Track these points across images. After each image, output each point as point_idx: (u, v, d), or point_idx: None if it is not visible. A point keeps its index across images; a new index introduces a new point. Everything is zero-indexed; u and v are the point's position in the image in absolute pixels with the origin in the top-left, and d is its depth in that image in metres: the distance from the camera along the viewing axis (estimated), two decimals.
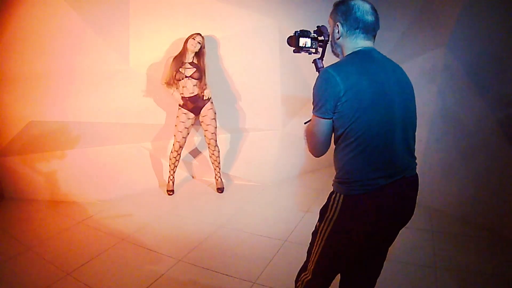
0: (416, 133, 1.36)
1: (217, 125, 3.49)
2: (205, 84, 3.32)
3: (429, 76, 3.02)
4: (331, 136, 1.29)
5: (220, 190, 3.61)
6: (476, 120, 2.73)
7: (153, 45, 3.40)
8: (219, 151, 3.52)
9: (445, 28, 2.84)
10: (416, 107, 1.36)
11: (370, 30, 1.31)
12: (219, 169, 3.59)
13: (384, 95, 1.22)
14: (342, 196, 1.28)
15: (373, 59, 1.29)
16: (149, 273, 2.26)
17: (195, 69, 3.27)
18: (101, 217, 3.09)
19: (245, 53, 3.56)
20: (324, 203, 1.37)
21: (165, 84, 3.29)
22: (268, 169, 3.85)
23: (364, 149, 1.21)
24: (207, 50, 3.36)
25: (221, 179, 3.64)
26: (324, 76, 1.22)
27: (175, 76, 3.24)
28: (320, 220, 1.38)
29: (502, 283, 2.07)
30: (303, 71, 3.68)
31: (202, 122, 3.42)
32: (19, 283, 2.19)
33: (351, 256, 1.36)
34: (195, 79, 3.28)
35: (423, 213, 2.95)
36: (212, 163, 3.57)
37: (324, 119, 1.24)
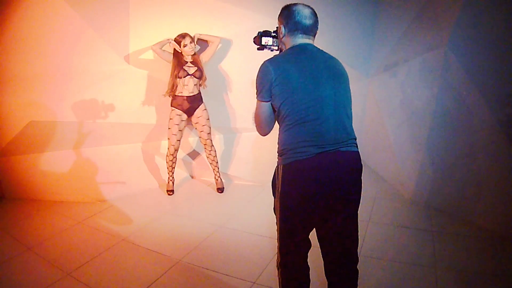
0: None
1: (218, 125, 3.50)
2: (205, 77, 3.36)
3: (429, 76, 3.02)
4: (273, 117, 1.52)
5: (220, 190, 3.61)
6: (476, 120, 2.73)
7: (153, 45, 3.40)
8: (215, 151, 3.52)
9: (445, 28, 2.84)
10: (351, 91, 1.54)
11: (309, 31, 1.53)
12: (218, 168, 3.59)
13: (312, 78, 1.42)
14: (281, 166, 1.46)
15: (306, 52, 1.50)
16: (149, 273, 2.26)
17: (196, 68, 3.28)
18: (101, 217, 3.09)
19: (245, 53, 3.56)
20: (272, 180, 1.58)
21: (168, 93, 3.30)
22: (268, 169, 3.83)
23: (295, 123, 1.41)
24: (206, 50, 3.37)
25: (221, 179, 3.64)
26: (262, 67, 1.47)
27: (179, 73, 3.23)
28: (273, 197, 1.59)
29: (502, 283, 2.06)
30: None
31: (197, 123, 3.41)
32: (19, 283, 2.19)
33: (303, 225, 1.49)
34: (196, 77, 3.29)
35: (423, 213, 2.95)
36: (210, 163, 3.57)
37: (263, 102, 1.48)
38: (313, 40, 1.57)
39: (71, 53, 3.15)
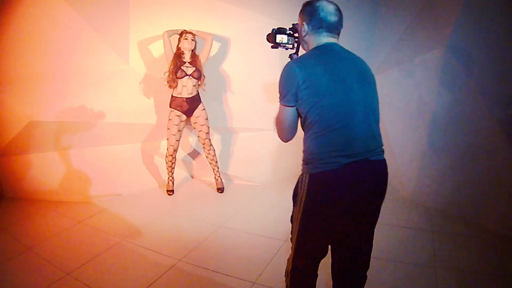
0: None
1: (217, 125, 3.50)
2: (204, 76, 3.36)
3: (429, 76, 3.02)
4: (296, 123, 1.42)
5: (220, 190, 3.61)
6: (476, 120, 2.73)
7: (153, 45, 3.40)
8: (214, 150, 3.52)
9: (445, 28, 2.84)
10: (378, 95, 1.44)
11: (333, 29, 1.43)
12: (218, 168, 3.59)
13: (341, 82, 1.33)
14: (307, 176, 1.37)
15: (333, 52, 1.40)
16: (149, 273, 2.26)
17: (194, 68, 3.28)
18: (101, 217, 3.09)
19: (245, 53, 3.56)
20: (294, 189, 1.47)
21: (167, 83, 3.30)
22: (268, 169, 3.85)
23: (324, 130, 1.32)
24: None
25: (221, 179, 3.64)
26: (286, 69, 1.37)
27: (177, 74, 3.24)
28: (294, 205, 1.46)
29: (502, 283, 2.06)
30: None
31: (195, 123, 3.41)
32: (19, 283, 2.19)
33: (326, 235, 1.42)
34: (195, 78, 3.29)
35: (423, 213, 2.95)
36: (210, 163, 3.57)
37: (287, 107, 1.38)
38: (338, 39, 1.47)
39: (71, 53, 3.15)
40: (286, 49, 1.66)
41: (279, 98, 1.40)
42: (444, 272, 2.17)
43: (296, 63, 1.36)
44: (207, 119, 3.41)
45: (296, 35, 1.61)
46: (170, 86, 3.30)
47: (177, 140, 3.40)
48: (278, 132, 1.48)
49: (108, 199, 3.41)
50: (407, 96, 3.27)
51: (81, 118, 3.28)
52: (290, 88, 1.34)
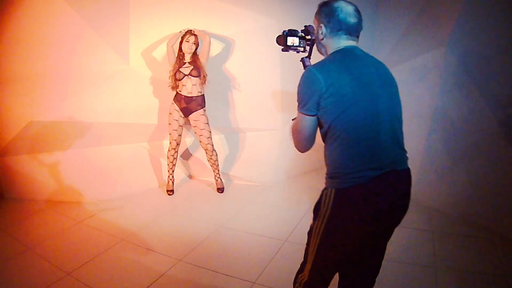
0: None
1: (217, 125, 3.49)
2: (205, 74, 3.33)
3: (429, 76, 3.02)
4: (315, 132, 1.33)
5: (220, 190, 3.61)
6: (476, 120, 2.73)
7: (153, 45, 3.40)
8: (217, 155, 3.50)
9: (445, 28, 2.84)
10: (401, 101, 1.37)
11: (353, 32, 1.33)
12: (218, 170, 3.59)
13: (367, 89, 1.25)
14: (333, 190, 1.28)
15: (355, 56, 1.31)
16: (149, 273, 2.26)
17: (192, 67, 3.28)
18: (101, 217, 3.09)
19: (245, 53, 3.56)
20: (316, 201, 1.38)
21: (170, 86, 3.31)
22: (268, 169, 3.85)
23: (350, 142, 1.23)
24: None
25: (221, 179, 3.64)
26: (307, 75, 1.27)
27: (176, 75, 3.24)
28: (314, 218, 1.38)
29: (502, 283, 2.07)
30: (303, 71, 3.68)
31: (195, 127, 3.40)
32: (19, 283, 2.19)
33: (347, 253, 1.35)
34: (193, 76, 3.28)
35: (423, 213, 2.94)
36: (211, 166, 3.57)
37: (308, 116, 1.28)
38: (358, 42, 1.38)
39: (71, 53, 3.15)
40: (298, 52, 1.58)
41: (298, 107, 1.31)
42: (444, 272, 2.17)
43: (317, 68, 1.26)
44: (206, 123, 3.38)
45: (308, 37, 1.55)
46: (172, 88, 3.32)
47: (179, 135, 3.40)
48: (295, 142, 1.39)
49: (108, 199, 3.41)
50: (407, 96, 3.26)
51: (81, 118, 3.28)
52: (311, 95, 1.25)
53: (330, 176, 1.31)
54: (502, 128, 2.56)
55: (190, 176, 4.05)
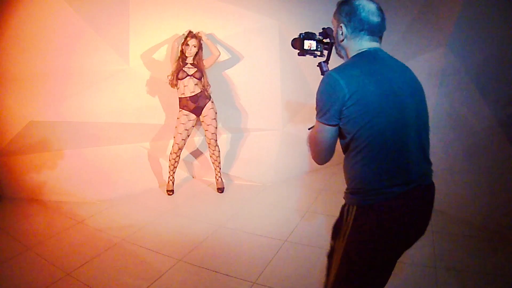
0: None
1: (218, 125, 3.50)
2: (208, 84, 3.36)
3: (429, 76, 3.01)
4: (335, 144, 1.23)
5: (220, 190, 3.61)
6: (476, 120, 2.73)
7: (153, 45, 3.40)
8: (219, 151, 3.53)
9: (445, 28, 2.84)
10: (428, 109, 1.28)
11: (376, 32, 1.23)
12: (219, 169, 3.60)
13: (394, 96, 1.15)
14: (355, 207, 1.19)
15: (379, 60, 1.21)
16: (149, 273, 2.26)
17: (196, 69, 3.29)
18: (101, 217, 3.09)
19: (245, 53, 3.56)
20: (335, 220, 1.29)
21: (169, 82, 3.31)
22: (268, 169, 3.85)
23: (376, 155, 1.14)
24: (207, 50, 3.37)
25: (221, 179, 3.64)
26: (327, 80, 1.16)
27: (178, 75, 3.24)
28: (333, 238, 1.30)
29: (502, 283, 2.07)
30: (304, 71, 3.69)
31: (203, 121, 3.44)
32: (19, 283, 2.19)
33: (370, 273, 1.26)
34: (196, 78, 3.30)
35: None
36: (213, 162, 3.58)
37: (328, 126, 1.17)
38: (381, 44, 1.27)
39: (71, 53, 3.14)
40: (315, 56, 1.48)
41: (317, 115, 1.20)
42: (444, 272, 2.17)
43: (339, 73, 1.15)
44: (214, 118, 3.41)
45: (326, 40, 1.46)
46: (171, 85, 3.32)
47: (183, 139, 3.41)
48: (313, 154, 1.27)
49: (108, 199, 3.41)
50: None
51: (81, 118, 3.28)
52: (333, 103, 1.13)
53: (351, 192, 1.22)
54: (502, 128, 2.56)
55: (193, 176, 4.05)
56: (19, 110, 3.20)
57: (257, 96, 3.67)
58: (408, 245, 1.27)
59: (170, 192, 3.57)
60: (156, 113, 3.63)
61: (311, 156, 1.29)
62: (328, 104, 1.15)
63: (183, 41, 3.26)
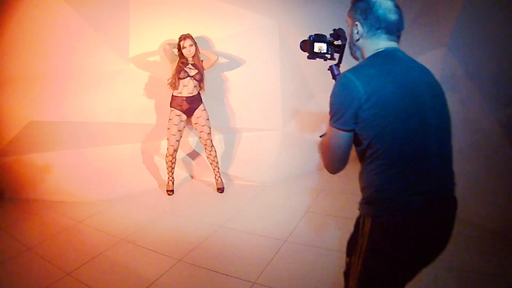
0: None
1: (218, 125, 3.51)
2: (204, 88, 3.41)
3: None
4: (350, 151, 1.14)
5: (220, 190, 3.61)
6: (476, 120, 2.73)
7: (153, 45, 3.40)
8: (216, 151, 3.53)
9: (445, 28, 2.84)
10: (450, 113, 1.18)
11: (394, 30, 1.16)
12: (218, 169, 3.60)
13: (414, 99, 1.07)
14: (370, 219, 1.11)
15: (398, 60, 1.14)
16: (149, 273, 2.26)
17: (197, 71, 3.30)
18: (101, 217, 3.09)
19: (245, 53, 3.56)
20: (350, 235, 1.23)
21: (169, 84, 3.31)
22: (268, 169, 3.85)
23: (395, 162, 1.05)
24: (207, 51, 3.38)
25: (221, 179, 3.64)
26: (342, 81, 1.08)
27: (180, 74, 3.25)
28: (349, 254, 1.23)
29: (502, 283, 2.06)
30: (304, 71, 3.68)
31: (196, 123, 3.43)
32: (19, 283, 2.19)
33: (391, 283, 1.19)
34: (196, 80, 3.31)
35: None
36: (210, 163, 3.58)
37: (343, 131, 1.09)
38: (399, 44, 1.19)
39: (71, 53, 3.15)
40: (325, 59, 1.42)
41: (331, 120, 1.11)
42: (444, 272, 2.17)
43: (354, 73, 1.07)
44: (208, 119, 3.43)
45: (337, 43, 1.39)
46: (172, 88, 3.32)
47: (177, 140, 3.41)
48: (325, 162, 1.18)
49: (108, 199, 3.41)
50: None
51: (81, 118, 3.28)
52: (348, 106, 1.05)
53: (366, 202, 1.13)
54: (502, 128, 2.56)
55: (193, 176, 4.05)
56: (19, 110, 3.20)
57: (257, 96, 3.67)
58: (428, 262, 1.21)
59: (170, 192, 3.57)
60: (156, 113, 3.63)
61: (323, 165, 1.21)
62: (343, 107, 1.06)
63: (178, 47, 3.25)
